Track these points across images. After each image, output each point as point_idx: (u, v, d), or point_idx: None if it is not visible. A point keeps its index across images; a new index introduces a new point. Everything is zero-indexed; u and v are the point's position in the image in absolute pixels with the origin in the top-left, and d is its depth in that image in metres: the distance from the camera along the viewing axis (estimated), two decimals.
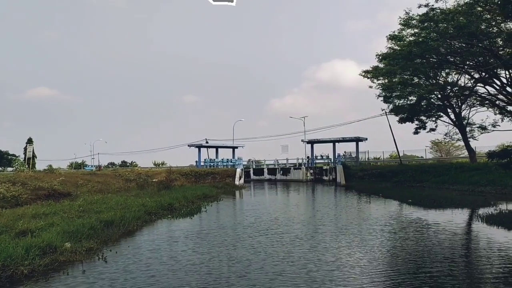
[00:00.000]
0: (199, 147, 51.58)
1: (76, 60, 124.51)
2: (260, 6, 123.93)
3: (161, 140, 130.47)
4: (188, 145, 53.09)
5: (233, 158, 52.01)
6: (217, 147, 54.34)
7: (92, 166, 75.12)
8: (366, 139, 46.45)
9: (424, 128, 40.67)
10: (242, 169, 43.81)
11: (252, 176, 52.04)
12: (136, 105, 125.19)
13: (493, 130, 36.32)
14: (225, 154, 55.00)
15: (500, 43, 29.42)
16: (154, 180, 32.57)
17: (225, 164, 50.24)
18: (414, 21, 33.14)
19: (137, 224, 14.16)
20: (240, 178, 40.85)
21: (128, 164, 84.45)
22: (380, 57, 36.91)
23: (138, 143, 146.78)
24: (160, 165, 74.58)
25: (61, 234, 10.52)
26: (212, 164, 50.05)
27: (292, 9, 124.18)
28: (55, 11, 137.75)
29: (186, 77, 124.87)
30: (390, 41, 36.56)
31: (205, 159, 51.51)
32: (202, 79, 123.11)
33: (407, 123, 40.20)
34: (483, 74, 32.62)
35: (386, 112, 42.56)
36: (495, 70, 31.09)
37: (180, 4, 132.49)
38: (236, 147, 54.92)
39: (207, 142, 53.82)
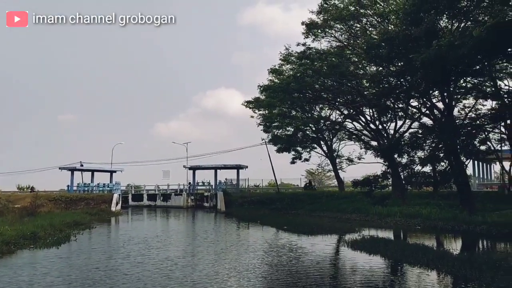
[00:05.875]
0: (72, 170, 47.86)
1: None
2: (147, 31, 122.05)
3: (28, 162, 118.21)
4: (60, 168, 48.85)
5: (110, 182, 49.29)
6: (93, 171, 50.99)
7: None
8: (247, 167, 47.75)
9: (300, 158, 43.21)
10: (119, 195, 41.69)
11: (131, 202, 49.86)
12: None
13: (359, 162, 40.12)
14: (102, 178, 51.75)
15: (366, 84, 32.88)
16: (16, 206, 29.32)
17: (101, 189, 47.27)
18: (293, 57, 35.54)
19: None
20: (117, 204, 38.80)
21: None
22: (262, 89, 38.57)
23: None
24: (25, 189, 67.23)
25: None
26: (86, 189, 46.74)
27: (179, 36, 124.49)
28: None
29: (64, 94, 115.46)
30: (271, 74, 38.55)
31: (78, 184, 47.92)
32: (81, 97, 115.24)
33: (285, 153, 42.34)
34: (351, 111, 35.97)
35: (265, 142, 44.40)
36: (361, 108, 34.52)
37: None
38: (115, 171, 52.17)
39: (81, 165, 50.31)
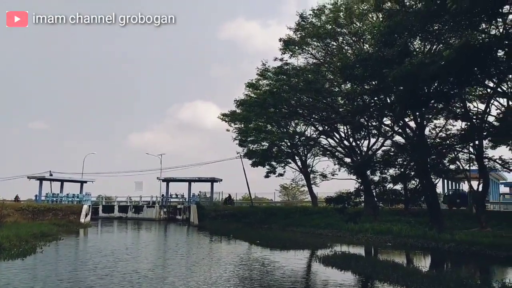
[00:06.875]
0: (41, 179, 46.48)
1: None
2: (128, 42, 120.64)
3: None
4: (28, 177, 47.39)
5: (80, 193, 48.12)
6: (62, 181, 49.65)
7: None
8: (221, 180, 47.52)
9: (274, 173, 43.27)
10: (89, 206, 40.76)
11: (101, 214, 48.78)
12: None
13: (332, 178, 40.42)
14: (72, 189, 50.41)
15: (341, 101, 33.40)
16: None
17: (70, 199, 45.96)
18: (270, 72, 35.86)
19: None
20: (86, 215, 37.83)
21: None
22: (238, 103, 38.75)
23: None
24: None
25: None
26: (54, 199, 45.38)
27: (158, 47, 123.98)
28: None
29: (36, 101, 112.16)
30: (248, 88, 38.73)
31: (46, 194, 46.50)
32: (54, 105, 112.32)
33: (259, 167, 42.34)
34: (326, 127, 36.42)
35: (241, 155, 44.32)
36: (336, 125, 35.00)
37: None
38: (85, 182, 50.98)
39: (51, 175, 48.89)
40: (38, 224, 27.80)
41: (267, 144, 40.83)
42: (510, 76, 22.56)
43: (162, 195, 49.22)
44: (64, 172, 52.74)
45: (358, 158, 33.63)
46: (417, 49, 22.99)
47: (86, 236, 27.04)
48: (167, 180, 49.25)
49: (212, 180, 47.01)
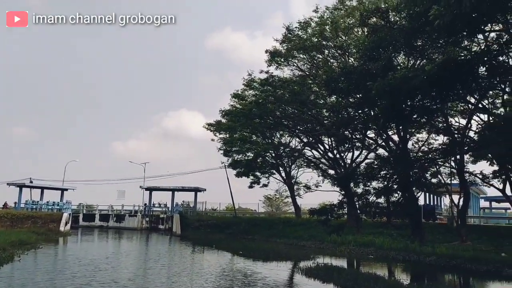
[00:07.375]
0: (21, 186, 45.64)
1: None
2: (115, 48, 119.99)
3: None
4: (8, 184, 46.51)
5: (61, 201, 47.29)
6: (42, 188, 48.80)
7: None
8: (205, 189, 47.26)
9: (258, 183, 43.18)
10: (70, 214, 40.01)
11: (81, 222, 47.90)
12: None
13: (316, 190, 40.47)
14: (52, 196, 49.58)
15: (325, 113, 33.64)
16: None
17: (50, 207, 45.09)
18: (256, 83, 36.00)
19: None
20: (66, 223, 37.12)
21: None
22: (223, 113, 38.77)
23: None
24: None
25: None
26: (34, 206, 44.49)
27: (145, 54, 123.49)
28: None
29: (20, 106, 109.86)
30: (233, 99, 38.79)
31: (26, 201, 45.59)
32: (38, 110, 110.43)
33: (244, 177, 42.22)
34: (311, 139, 36.58)
35: (225, 165, 44.20)
36: (320, 137, 35.19)
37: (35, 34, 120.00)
38: (66, 190, 50.20)
39: (31, 182, 48.00)
40: (17, 232, 27.20)
41: (252, 155, 40.80)
42: (491, 92, 23.20)
43: (145, 204, 48.67)
44: (45, 179, 51.84)
45: (342, 170, 33.80)
46: (401, 64, 23.38)
47: (66, 244, 26.56)
48: (150, 189, 48.78)
49: (196, 190, 46.73)
